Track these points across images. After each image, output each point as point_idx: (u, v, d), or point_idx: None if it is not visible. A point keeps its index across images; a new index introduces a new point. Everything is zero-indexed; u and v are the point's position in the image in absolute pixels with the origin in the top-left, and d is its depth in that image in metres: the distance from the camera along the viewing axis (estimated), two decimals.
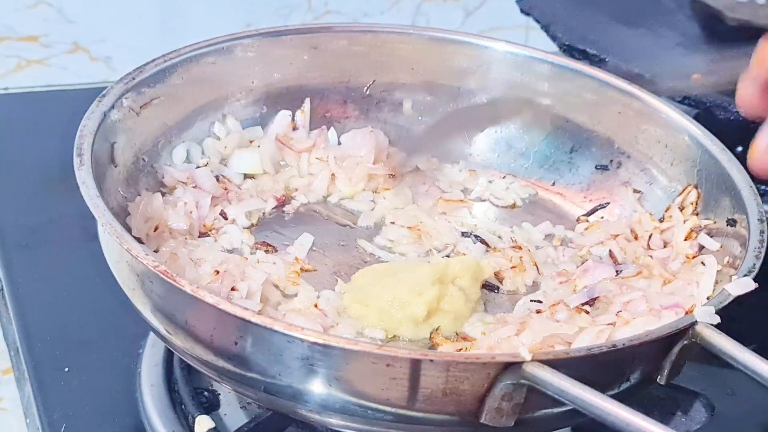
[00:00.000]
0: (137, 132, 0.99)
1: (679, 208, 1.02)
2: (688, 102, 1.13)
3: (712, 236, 0.96)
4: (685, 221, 1.00)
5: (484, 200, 1.10)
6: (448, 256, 1.01)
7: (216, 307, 0.77)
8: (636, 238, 1.03)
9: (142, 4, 1.42)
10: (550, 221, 1.08)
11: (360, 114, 1.13)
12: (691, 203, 1.01)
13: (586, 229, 1.06)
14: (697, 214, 1.01)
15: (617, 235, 1.02)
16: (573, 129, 1.11)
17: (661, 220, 1.03)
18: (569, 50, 1.18)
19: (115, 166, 0.95)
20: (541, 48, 1.14)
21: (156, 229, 0.95)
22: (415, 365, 0.76)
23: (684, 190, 1.03)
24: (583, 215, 1.09)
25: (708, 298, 0.88)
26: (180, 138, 1.04)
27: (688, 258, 0.97)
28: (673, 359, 0.82)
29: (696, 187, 1.02)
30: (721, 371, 0.85)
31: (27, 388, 0.97)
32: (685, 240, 0.99)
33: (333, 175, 1.08)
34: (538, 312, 0.92)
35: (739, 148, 1.06)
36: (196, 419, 0.90)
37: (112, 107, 0.95)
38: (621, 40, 1.22)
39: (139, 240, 0.89)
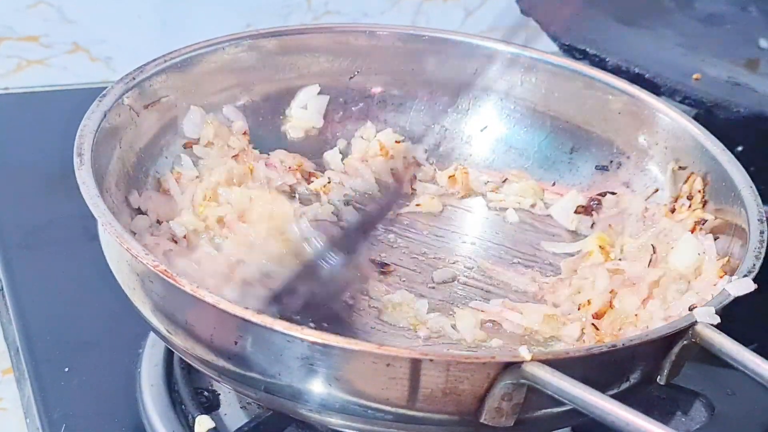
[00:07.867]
0: (138, 132, 0.99)
1: (687, 197, 1.01)
2: (688, 102, 1.13)
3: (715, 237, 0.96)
4: (694, 210, 0.99)
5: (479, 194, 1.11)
6: None
7: (216, 306, 0.77)
8: None
9: (143, 5, 1.42)
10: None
11: (360, 114, 1.13)
12: (699, 191, 1.00)
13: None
14: (705, 202, 1.00)
15: None
16: (573, 129, 1.11)
17: (672, 210, 1.02)
18: (569, 50, 1.18)
19: (116, 167, 0.95)
20: (542, 48, 1.14)
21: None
22: (415, 365, 0.76)
23: (688, 179, 1.02)
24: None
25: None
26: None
27: None
28: (673, 359, 0.82)
29: (699, 174, 1.01)
30: (721, 371, 0.85)
31: (27, 388, 0.97)
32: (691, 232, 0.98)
33: None
34: None
35: (740, 148, 1.06)
36: (196, 419, 0.90)
37: (113, 107, 0.95)
38: (621, 41, 1.22)
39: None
